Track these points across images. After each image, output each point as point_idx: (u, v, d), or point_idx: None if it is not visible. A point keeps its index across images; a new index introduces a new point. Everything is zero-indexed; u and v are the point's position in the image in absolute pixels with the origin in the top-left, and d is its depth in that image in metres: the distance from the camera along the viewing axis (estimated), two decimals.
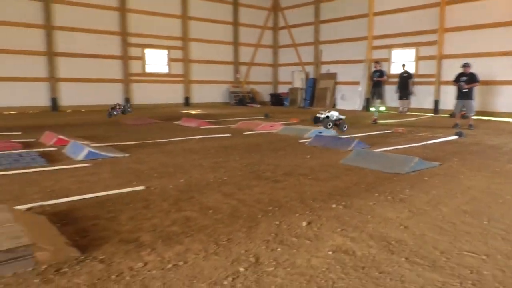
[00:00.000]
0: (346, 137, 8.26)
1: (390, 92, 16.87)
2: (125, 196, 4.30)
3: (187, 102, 19.88)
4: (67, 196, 4.29)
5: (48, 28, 15.33)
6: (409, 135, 9.51)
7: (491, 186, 4.79)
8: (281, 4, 22.83)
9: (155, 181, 4.90)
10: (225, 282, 2.44)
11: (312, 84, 21.35)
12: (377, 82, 13.54)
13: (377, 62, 14.27)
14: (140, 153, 6.88)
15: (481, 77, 11.27)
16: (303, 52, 21.85)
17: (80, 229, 3.32)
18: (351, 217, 3.64)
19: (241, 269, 2.61)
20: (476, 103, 11.50)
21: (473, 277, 2.53)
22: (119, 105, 8.67)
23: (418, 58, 16.75)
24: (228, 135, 9.41)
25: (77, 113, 14.94)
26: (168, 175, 5.22)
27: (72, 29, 15.89)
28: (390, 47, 17.63)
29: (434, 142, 8.37)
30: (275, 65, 23.78)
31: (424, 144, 8.11)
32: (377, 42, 18.01)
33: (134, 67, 17.96)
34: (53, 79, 15.66)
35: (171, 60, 19.25)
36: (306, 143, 8.03)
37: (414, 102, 16.95)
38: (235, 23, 21.62)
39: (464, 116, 11.34)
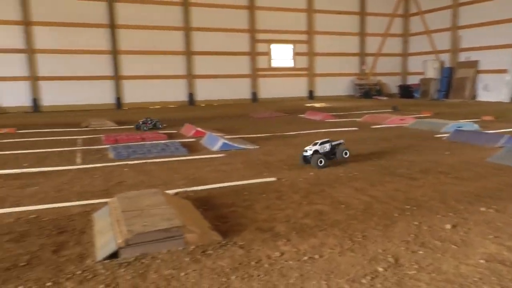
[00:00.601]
0: (493, 132, 7.33)
1: None
2: (258, 186, 4.48)
3: (311, 96, 19.94)
4: (206, 184, 4.64)
5: (187, 29, 16.84)
6: None
7: None
8: None
9: (285, 173, 5.00)
10: (364, 281, 2.36)
11: (448, 73, 19.48)
12: None
13: None
14: (269, 145, 7.11)
15: None
16: (438, 39, 20.05)
17: (220, 215, 3.57)
18: (506, 223, 3.21)
19: (380, 269, 2.50)
20: None
21: None
22: (151, 119, 9.20)
23: None
24: (355, 128, 9.14)
25: (210, 107, 16.12)
26: (297, 168, 5.28)
27: (207, 29, 17.18)
28: None
29: None
30: (404, 54, 22.34)
31: None
32: None
33: (261, 62, 18.65)
34: (190, 76, 17.19)
35: (296, 54, 19.49)
36: (444, 138, 7.36)
37: None
38: (362, 13, 20.87)
39: None
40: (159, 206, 3.25)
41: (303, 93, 19.80)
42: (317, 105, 16.56)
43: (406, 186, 4.31)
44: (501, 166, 5.10)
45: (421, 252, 2.73)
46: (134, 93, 16.40)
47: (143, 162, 5.82)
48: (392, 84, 22.13)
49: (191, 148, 6.92)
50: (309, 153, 5.24)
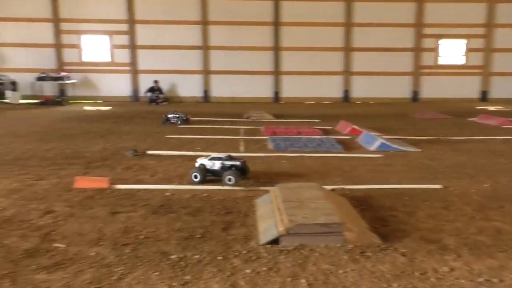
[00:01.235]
0: None
1: None
2: (421, 192, 4.17)
3: (484, 97, 17.60)
4: (363, 183, 4.53)
5: (347, 25, 16.61)
6: None
7: None
8: None
9: (453, 182, 4.53)
10: None
11: None
12: None
13: None
14: (432, 149, 6.55)
15: None
16: None
17: (379, 218, 3.43)
18: None
19: None
20: None
21: None
22: (178, 114, 8.80)
23: None
24: None
25: (366, 105, 15.65)
26: (468, 177, 4.74)
27: (369, 24, 16.66)
28: None
29: None
30: None
31: None
32: None
33: (426, 59, 17.22)
34: (347, 73, 16.97)
35: (469, 50, 17.42)
36: None
37: None
38: None
39: None
40: (318, 200, 3.29)
41: (474, 94, 17.58)
42: (491, 108, 14.55)
43: None
44: None
45: None
46: (291, 88, 16.97)
47: (299, 156, 5.98)
48: None
49: (347, 145, 6.83)
50: (197, 164, 4.60)
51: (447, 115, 11.66)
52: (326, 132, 8.34)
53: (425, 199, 3.92)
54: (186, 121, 9.40)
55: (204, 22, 16.29)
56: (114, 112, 12.00)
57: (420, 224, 3.26)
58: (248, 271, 2.50)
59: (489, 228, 3.16)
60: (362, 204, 3.81)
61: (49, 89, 15.67)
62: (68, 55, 16.10)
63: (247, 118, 10.83)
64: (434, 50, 17.40)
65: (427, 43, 17.24)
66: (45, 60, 15.80)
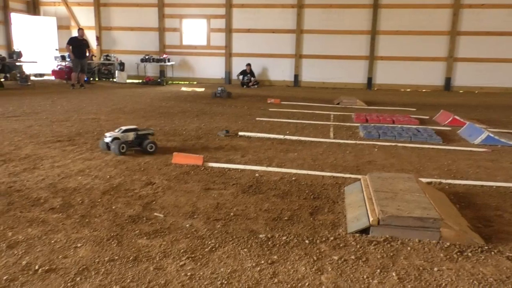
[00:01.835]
0: None
1: None
2: None
3: None
4: (464, 179, 4.18)
5: (456, 6, 15.22)
6: None
7: None
8: None
9: None
10: None
11: None
12: None
13: None
14: None
15: None
16: None
17: (481, 217, 3.15)
18: None
19: None
20: None
21: None
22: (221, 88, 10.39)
23: None
24: None
25: (470, 95, 14.34)
26: None
27: (481, 5, 15.10)
28: None
29: None
30: None
31: None
32: None
33: None
34: (450, 59, 15.64)
35: None
36: None
37: None
38: None
39: None
40: (413, 193, 3.12)
41: None
42: None
43: None
44: None
45: None
46: (386, 74, 16.14)
47: (393, 145, 5.71)
48: None
49: (446, 137, 6.34)
50: (108, 139, 4.81)
51: None
52: (423, 122, 7.83)
53: None
54: (228, 95, 11.36)
55: (300, 5, 16.12)
56: (207, 93, 12.54)
57: None
58: (335, 257, 2.47)
59: None
60: (463, 201, 3.53)
61: (151, 70, 16.92)
62: (170, 39, 17.12)
63: (338, 104, 10.59)
64: None
65: None
66: (149, 43, 17.02)
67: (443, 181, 4.05)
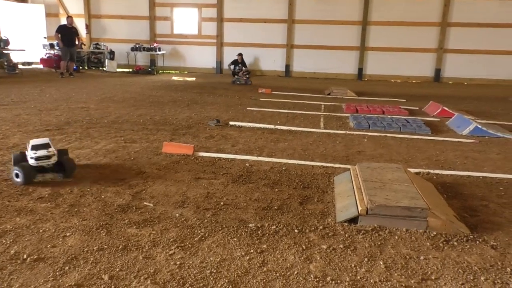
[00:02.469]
0: None
1: None
2: None
3: None
4: (452, 169, 4.24)
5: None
6: None
7: None
8: None
9: None
10: None
11: None
12: None
13: None
14: None
15: None
16: None
17: (468, 207, 3.20)
18: None
19: None
20: None
21: None
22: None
23: None
24: None
25: (459, 86, 14.45)
26: None
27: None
28: None
29: None
30: None
31: None
32: None
33: None
34: (440, 50, 15.71)
35: None
36: None
37: None
38: None
39: None
40: (402, 183, 3.15)
41: None
42: None
43: None
44: None
45: None
46: (376, 65, 16.18)
47: (382, 135, 5.75)
48: None
49: (435, 128, 6.40)
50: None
51: None
52: (412, 113, 7.89)
53: None
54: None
55: None
56: (199, 83, 12.48)
57: None
58: (324, 246, 2.49)
59: None
60: (450, 191, 3.58)
61: (141, 59, 16.74)
62: (160, 27, 16.93)
63: (328, 94, 10.61)
64: None
65: None
66: (140, 31, 16.82)
67: (431, 171, 4.10)
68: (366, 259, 2.36)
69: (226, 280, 2.10)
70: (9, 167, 3.74)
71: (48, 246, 2.40)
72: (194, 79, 13.72)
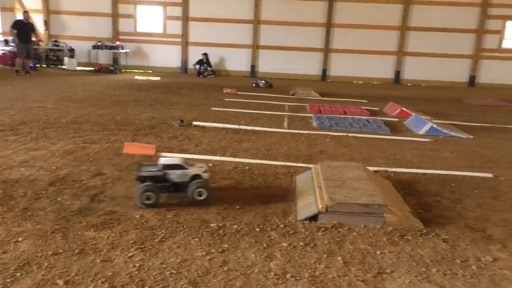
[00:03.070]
0: None
1: None
2: (470, 180, 4.00)
3: None
4: (409, 167, 4.40)
5: (406, 2, 15.78)
6: None
7: None
8: None
9: (507, 172, 4.30)
10: None
11: None
12: None
13: None
14: (486, 137, 6.22)
15: None
16: None
17: (422, 203, 3.34)
18: None
19: None
20: None
21: None
22: (265, 80, 11.50)
23: None
24: None
25: (418, 88, 14.99)
26: None
27: (429, 2, 15.75)
28: None
29: None
30: None
31: None
32: None
33: (488, 42, 16.11)
34: (400, 53, 16.24)
35: None
36: None
37: None
38: None
39: None
40: (361, 181, 3.24)
41: None
42: None
43: None
44: None
45: None
46: (340, 67, 16.52)
47: (344, 135, 5.88)
48: None
49: (394, 128, 6.62)
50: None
51: (508, 102, 10.95)
52: (373, 113, 8.12)
53: (473, 187, 3.76)
54: (270, 86, 12.04)
55: None
56: (163, 82, 12.29)
57: (465, 212, 3.14)
58: (284, 244, 2.53)
59: None
60: (406, 188, 3.71)
61: (104, 57, 16.28)
62: (124, 25, 16.53)
63: (293, 95, 10.73)
64: (499, 32, 16.23)
65: (492, 24, 16.09)
66: (102, 29, 16.34)
67: (390, 169, 4.23)
68: (325, 255, 2.41)
69: (187, 281, 2.09)
70: None
71: None
72: (158, 78, 13.50)
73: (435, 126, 6.22)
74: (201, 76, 15.15)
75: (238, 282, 2.10)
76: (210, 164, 4.15)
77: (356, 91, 12.56)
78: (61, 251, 2.33)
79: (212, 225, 2.76)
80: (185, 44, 16.48)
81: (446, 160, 4.76)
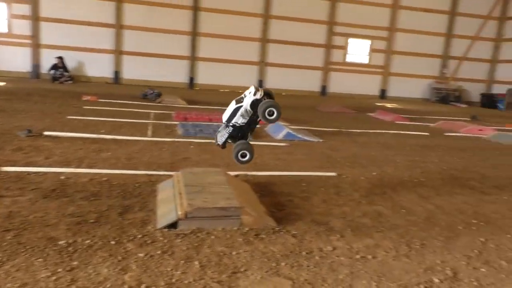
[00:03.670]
0: None
1: None
2: (318, 179, 4.45)
3: (382, 95, 19.21)
4: (266, 170, 4.70)
5: (265, 17, 16.92)
6: None
7: None
8: None
9: (347, 170, 4.91)
10: None
11: None
12: None
13: None
14: (334, 140, 7.00)
15: None
16: None
17: (277, 203, 3.60)
18: None
19: (436, 280, 2.39)
20: None
21: None
22: (153, 90, 11.30)
23: None
24: (426, 134, 8.69)
25: (278, 97, 16.04)
26: (360, 166, 5.16)
27: (285, 18, 17.12)
28: None
29: None
30: (493, 61, 20.64)
31: None
32: None
33: (335, 55, 18.26)
34: (262, 64, 17.32)
35: (373, 50, 18.82)
36: None
37: None
38: (452, 12, 19.48)
39: None
40: (220, 185, 3.35)
41: (375, 91, 19.11)
42: (388, 105, 15.93)
43: (476, 200, 4.05)
44: None
45: (483, 269, 2.57)
46: (206, 75, 16.88)
47: (208, 142, 5.99)
48: (475, 91, 20.59)
49: (256, 133, 6.97)
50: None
51: (351, 109, 12.52)
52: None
53: (320, 185, 4.20)
54: (158, 96, 11.12)
55: (118, 0, 15.44)
56: (8, 88, 10.90)
57: (313, 208, 3.49)
58: (141, 255, 2.46)
59: (372, 211, 3.49)
60: (263, 189, 3.95)
61: None
62: None
63: (159, 102, 10.56)
64: (344, 48, 18.50)
65: (338, 40, 18.27)
66: None
67: (249, 173, 4.46)
68: (182, 261, 2.43)
69: None
70: None
71: None
72: (3, 83, 11.92)
73: (291, 131, 6.78)
74: (57, 82, 13.85)
75: None
76: (62, 177, 3.82)
77: (222, 99, 12.90)
78: None
79: (60, 242, 2.55)
80: (36, 46, 14.92)
81: (299, 162, 5.22)
